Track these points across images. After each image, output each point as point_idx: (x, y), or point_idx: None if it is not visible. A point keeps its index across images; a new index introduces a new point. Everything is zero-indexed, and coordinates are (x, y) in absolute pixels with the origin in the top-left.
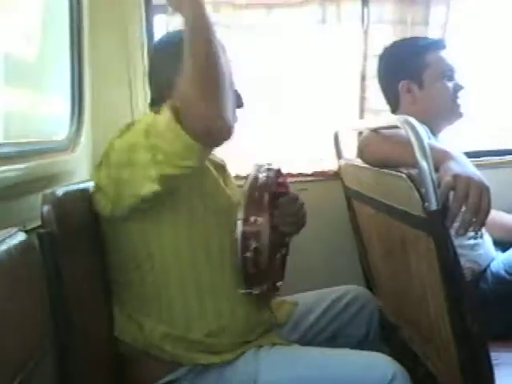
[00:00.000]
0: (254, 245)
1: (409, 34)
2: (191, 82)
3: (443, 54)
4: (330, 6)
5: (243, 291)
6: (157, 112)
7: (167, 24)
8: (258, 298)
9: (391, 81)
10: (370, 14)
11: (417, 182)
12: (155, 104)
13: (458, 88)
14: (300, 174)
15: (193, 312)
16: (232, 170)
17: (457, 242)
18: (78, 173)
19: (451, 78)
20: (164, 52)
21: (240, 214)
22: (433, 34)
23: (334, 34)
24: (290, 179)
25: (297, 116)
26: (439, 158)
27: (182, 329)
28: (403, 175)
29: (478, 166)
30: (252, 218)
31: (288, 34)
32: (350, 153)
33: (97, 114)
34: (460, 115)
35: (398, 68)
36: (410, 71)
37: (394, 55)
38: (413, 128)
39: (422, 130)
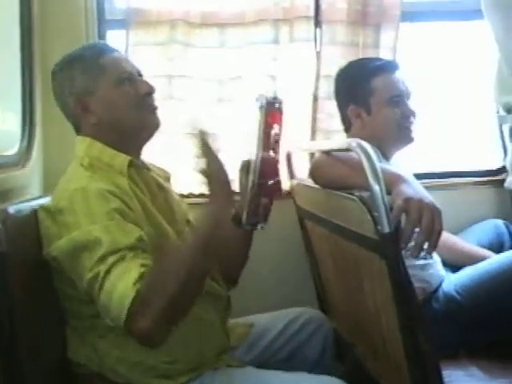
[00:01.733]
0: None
1: (360, 56)
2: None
3: (393, 77)
4: (282, 26)
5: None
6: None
7: (120, 39)
8: None
9: (341, 104)
10: (323, 36)
11: (369, 205)
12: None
13: (407, 113)
14: None
15: None
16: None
17: (407, 262)
18: (29, 188)
19: (400, 104)
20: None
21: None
22: (384, 55)
23: (286, 54)
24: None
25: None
26: (391, 182)
27: (137, 354)
28: (355, 198)
29: (428, 188)
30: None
31: (241, 54)
32: (301, 172)
33: (49, 130)
34: (410, 140)
35: (346, 93)
36: (357, 96)
37: (344, 79)
38: (365, 151)
39: (374, 153)
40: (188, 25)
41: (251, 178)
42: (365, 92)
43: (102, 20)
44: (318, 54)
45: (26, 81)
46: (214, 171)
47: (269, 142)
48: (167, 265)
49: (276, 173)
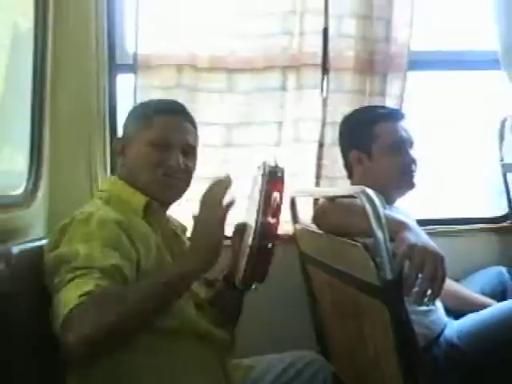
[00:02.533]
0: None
1: (367, 104)
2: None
3: (397, 125)
4: (290, 73)
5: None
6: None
7: (130, 83)
8: None
9: (344, 150)
10: (330, 83)
11: (372, 251)
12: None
13: (408, 161)
14: None
15: None
16: None
17: (410, 308)
18: (34, 229)
19: (401, 151)
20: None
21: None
22: (390, 104)
23: (293, 100)
24: None
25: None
26: (395, 228)
27: None
28: (359, 244)
29: (431, 234)
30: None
31: (249, 99)
32: (305, 217)
33: (55, 171)
34: (411, 186)
35: (349, 138)
36: (359, 142)
37: (348, 124)
38: (369, 198)
39: (378, 200)
40: (195, 69)
41: (250, 240)
42: (367, 137)
43: (113, 64)
44: (325, 100)
45: (35, 122)
46: (213, 220)
47: (269, 207)
48: (119, 291)
49: (275, 237)
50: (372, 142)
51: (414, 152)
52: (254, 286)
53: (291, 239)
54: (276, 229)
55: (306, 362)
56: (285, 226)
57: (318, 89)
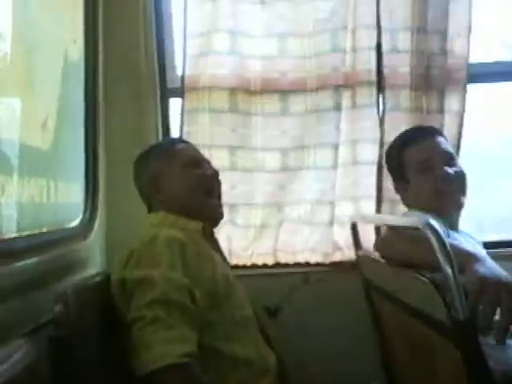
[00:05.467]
0: None
1: (424, 121)
2: None
3: (423, 144)
4: (344, 92)
5: None
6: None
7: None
8: None
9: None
10: (386, 101)
11: (441, 287)
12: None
13: (443, 177)
14: (318, 264)
15: None
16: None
17: (483, 340)
18: (92, 261)
19: (433, 168)
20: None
21: None
22: (450, 121)
23: (349, 120)
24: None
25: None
26: (464, 261)
27: None
28: (426, 280)
29: (496, 259)
30: None
31: (303, 121)
32: (367, 241)
33: (111, 201)
34: (454, 205)
35: (390, 171)
36: (395, 174)
37: (385, 160)
38: (434, 231)
39: (444, 231)
40: (248, 92)
41: None
42: (399, 167)
43: (164, 88)
44: (382, 120)
45: (89, 151)
46: None
47: None
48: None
49: None
50: (404, 171)
51: (456, 166)
52: None
53: (353, 266)
54: None
55: None
56: (346, 253)
57: (373, 107)
